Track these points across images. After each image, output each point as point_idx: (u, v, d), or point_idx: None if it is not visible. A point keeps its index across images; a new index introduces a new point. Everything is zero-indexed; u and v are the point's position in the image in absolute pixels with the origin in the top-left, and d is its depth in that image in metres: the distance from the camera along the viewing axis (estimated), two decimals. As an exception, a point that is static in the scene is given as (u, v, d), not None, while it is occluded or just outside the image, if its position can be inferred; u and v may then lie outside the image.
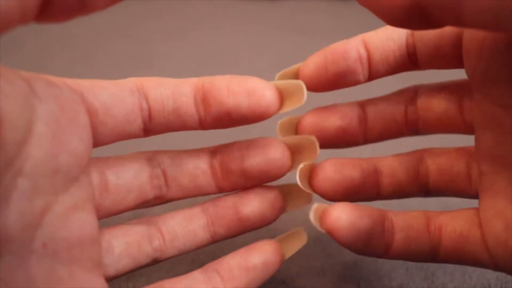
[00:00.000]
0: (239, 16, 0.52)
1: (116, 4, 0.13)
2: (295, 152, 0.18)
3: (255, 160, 0.17)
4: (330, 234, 0.17)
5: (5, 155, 0.12)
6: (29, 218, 0.13)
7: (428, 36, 0.17)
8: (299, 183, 0.17)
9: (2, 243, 0.12)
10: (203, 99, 0.16)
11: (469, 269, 0.23)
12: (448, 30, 0.16)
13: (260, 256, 0.17)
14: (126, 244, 0.16)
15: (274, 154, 0.17)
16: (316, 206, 0.17)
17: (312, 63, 0.17)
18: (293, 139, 0.18)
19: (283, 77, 0.18)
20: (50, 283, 0.13)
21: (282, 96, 0.17)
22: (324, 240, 0.24)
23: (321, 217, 0.17)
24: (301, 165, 0.17)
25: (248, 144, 0.17)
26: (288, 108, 0.17)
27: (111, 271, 0.16)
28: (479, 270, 0.23)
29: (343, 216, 0.16)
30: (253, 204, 0.18)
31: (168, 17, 0.50)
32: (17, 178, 0.12)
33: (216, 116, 0.16)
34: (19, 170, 0.12)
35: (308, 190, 0.18)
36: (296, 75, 0.18)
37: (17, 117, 0.12)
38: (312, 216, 0.17)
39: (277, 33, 0.48)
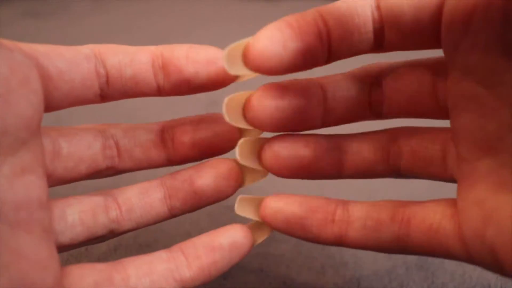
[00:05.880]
0: (239, 16, 0.52)
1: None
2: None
3: (205, 133, 0.18)
4: (264, 222, 0.17)
5: None
6: None
7: (401, 9, 0.14)
8: (238, 158, 0.17)
9: None
10: (163, 67, 0.16)
11: (469, 269, 0.23)
12: (427, 1, 0.14)
13: (227, 236, 0.17)
14: (80, 213, 0.16)
15: (223, 127, 0.18)
16: (239, 199, 0.18)
17: (266, 39, 0.14)
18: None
19: (231, 54, 0.15)
20: None
21: None
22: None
23: (260, 207, 0.18)
24: (241, 141, 0.17)
25: (199, 119, 0.18)
26: (244, 78, 0.17)
27: (65, 239, 0.16)
28: (479, 270, 0.23)
29: (271, 204, 0.17)
30: (207, 176, 0.18)
31: (168, 17, 0.50)
32: None
33: (175, 84, 0.17)
34: None
35: (254, 166, 0.17)
36: (245, 52, 0.15)
37: None
38: (236, 208, 0.18)
39: (277, 33, 0.48)
